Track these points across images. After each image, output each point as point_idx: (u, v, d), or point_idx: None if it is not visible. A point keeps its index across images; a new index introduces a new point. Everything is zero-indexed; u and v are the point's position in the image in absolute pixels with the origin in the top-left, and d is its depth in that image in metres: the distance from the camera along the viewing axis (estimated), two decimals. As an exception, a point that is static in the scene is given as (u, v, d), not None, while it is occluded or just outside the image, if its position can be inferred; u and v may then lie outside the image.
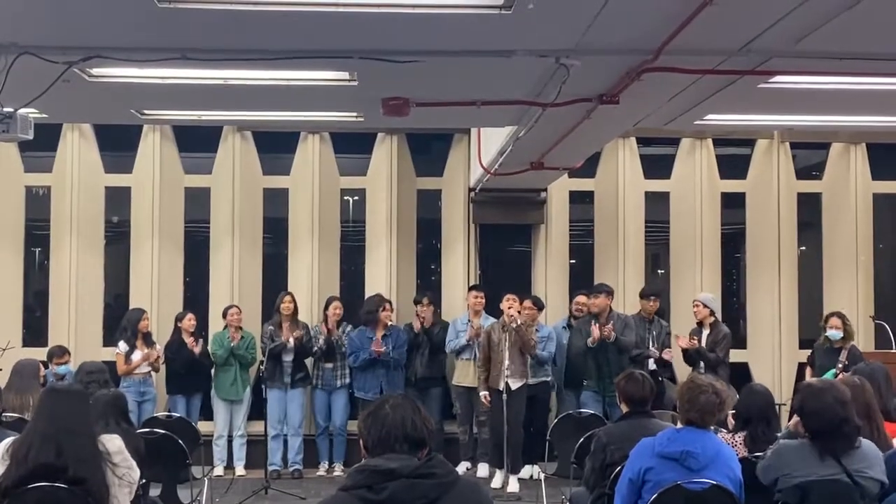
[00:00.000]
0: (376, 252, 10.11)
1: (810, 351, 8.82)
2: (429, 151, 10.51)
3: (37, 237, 10.07)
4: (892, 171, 10.45)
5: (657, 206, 10.34)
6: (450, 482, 2.77)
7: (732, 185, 10.38)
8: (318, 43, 4.84)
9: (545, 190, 9.95)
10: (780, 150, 10.26)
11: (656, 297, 9.34)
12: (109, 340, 9.47)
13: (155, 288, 9.84)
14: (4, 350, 8.53)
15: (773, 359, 10.11)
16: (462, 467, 9.04)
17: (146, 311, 9.12)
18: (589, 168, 9.78)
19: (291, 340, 9.05)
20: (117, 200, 10.03)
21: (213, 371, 9.24)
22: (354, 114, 7.01)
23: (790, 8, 4.20)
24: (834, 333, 8.24)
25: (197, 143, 9.99)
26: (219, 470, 9.05)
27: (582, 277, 10.12)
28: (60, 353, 8.21)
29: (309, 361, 9.37)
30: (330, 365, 9.30)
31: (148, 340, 8.98)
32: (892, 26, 4.53)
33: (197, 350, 9.02)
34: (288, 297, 9.31)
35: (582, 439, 6.04)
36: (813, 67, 5.21)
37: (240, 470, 9.25)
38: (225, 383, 9.16)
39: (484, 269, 10.24)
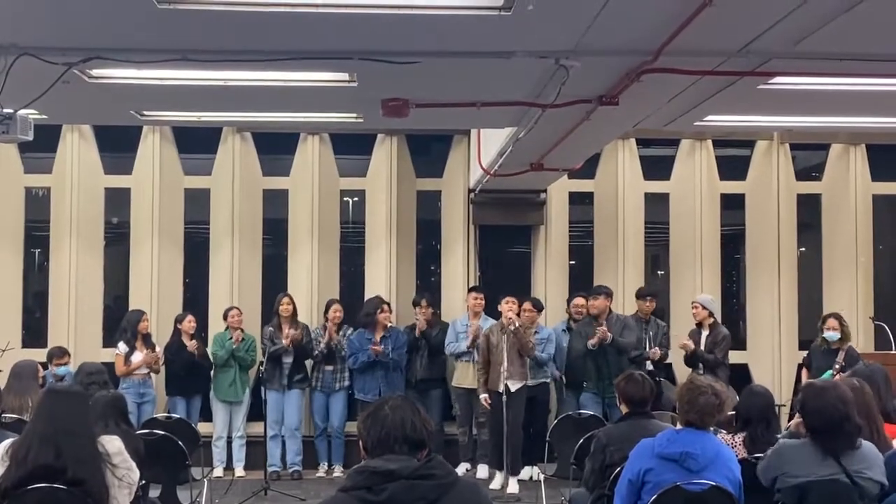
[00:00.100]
0: (376, 253, 10.11)
1: (806, 352, 8.83)
2: (428, 152, 10.51)
3: (36, 238, 10.07)
4: (892, 172, 10.46)
5: (657, 207, 10.34)
6: (449, 483, 2.77)
7: (732, 187, 10.39)
8: (317, 44, 4.84)
9: (545, 191, 9.95)
10: (780, 151, 10.27)
11: (652, 298, 9.35)
12: (109, 341, 9.47)
13: (154, 289, 9.84)
14: (4, 351, 8.52)
15: (772, 360, 10.11)
16: (462, 468, 9.05)
17: (146, 313, 9.12)
18: (589, 169, 9.78)
19: (289, 340, 9.04)
20: (117, 201, 10.03)
21: (212, 372, 9.24)
22: (354, 115, 7.01)
23: (789, 9, 4.20)
24: (831, 335, 8.24)
25: (197, 144, 9.99)
26: (218, 471, 9.06)
27: (582, 278, 10.13)
28: (60, 353, 8.21)
29: (308, 363, 9.37)
30: (330, 367, 9.30)
31: (147, 342, 8.98)
32: (891, 27, 4.53)
33: (196, 352, 9.01)
34: (286, 299, 9.31)
35: (582, 440, 6.04)
36: (812, 69, 5.21)
37: (239, 471, 9.25)
38: (224, 384, 9.16)
39: (483, 270, 10.24)
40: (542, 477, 7.69)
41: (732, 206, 10.38)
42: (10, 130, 5.31)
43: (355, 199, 10.41)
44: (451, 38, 4.78)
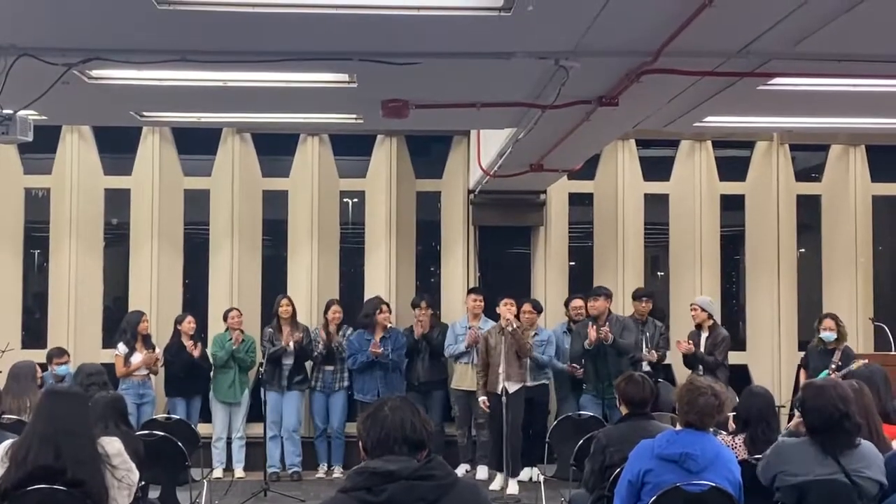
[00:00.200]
0: (376, 254, 10.11)
1: (803, 353, 8.84)
2: (428, 153, 10.51)
3: (36, 239, 10.07)
4: (892, 173, 10.46)
5: (656, 208, 10.34)
6: (449, 484, 2.77)
7: (732, 187, 10.39)
8: (317, 45, 4.84)
9: (544, 192, 9.95)
10: (780, 152, 10.27)
11: (648, 299, 9.34)
12: (109, 342, 9.47)
13: (154, 290, 9.84)
14: (3, 352, 8.52)
15: (772, 361, 10.11)
16: (461, 470, 9.05)
17: (145, 314, 9.12)
18: (588, 170, 9.78)
19: (291, 344, 9.05)
20: (117, 202, 10.03)
21: (211, 373, 9.23)
22: (354, 116, 7.01)
23: (789, 10, 4.20)
24: (828, 335, 8.26)
25: (196, 144, 9.99)
26: (218, 472, 9.06)
27: (581, 279, 10.12)
28: (59, 353, 8.21)
29: (308, 364, 9.37)
30: (331, 368, 9.29)
31: (147, 343, 8.98)
32: (890, 28, 4.53)
33: (196, 353, 9.01)
34: (285, 301, 9.30)
35: (581, 441, 6.04)
36: (812, 69, 5.21)
37: (239, 472, 9.25)
38: (223, 386, 9.16)
39: (483, 271, 10.24)
40: (541, 478, 7.69)
41: (732, 206, 10.38)
42: (9, 131, 5.31)
43: (355, 200, 10.41)
44: (451, 39, 4.78)
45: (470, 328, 9.13)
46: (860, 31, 4.53)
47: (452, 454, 9.02)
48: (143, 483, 4.69)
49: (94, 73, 5.37)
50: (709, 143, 10.21)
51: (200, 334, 9.42)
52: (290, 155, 10.14)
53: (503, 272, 10.26)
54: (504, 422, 8.24)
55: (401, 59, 4.94)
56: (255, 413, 9.26)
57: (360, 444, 2.87)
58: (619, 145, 10.07)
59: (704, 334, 8.74)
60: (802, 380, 8.16)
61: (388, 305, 9.38)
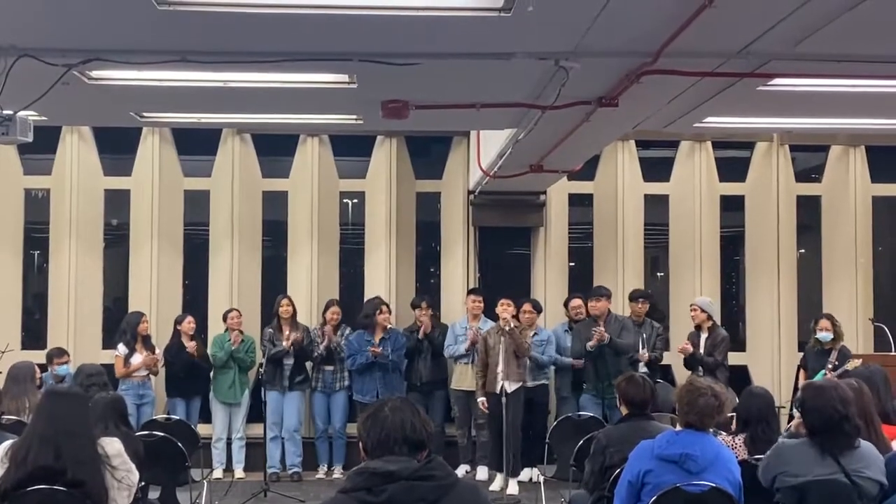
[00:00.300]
0: (375, 255, 10.11)
1: (801, 354, 8.86)
2: (428, 154, 10.51)
3: (36, 240, 10.07)
4: (892, 173, 10.46)
5: (656, 208, 10.34)
6: (449, 484, 2.77)
7: (732, 188, 10.39)
8: (317, 45, 4.84)
9: (544, 193, 9.95)
10: (780, 152, 10.27)
11: (645, 300, 9.34)
12: (108, 343, 9.47)
13: (154, 291, 9.84)
14: (3, 353, 8.52)
15: (772, 361, 10.11)
16: (461, 470, 9.05)
17: (145, 314, 9.13)
18: (588, 171, 9.78)
19: (286, 343, 9.04)
20: (116, 203, 10.03)
21: (211, 374, 9.23)
22: (354, 116, 7.01)
23: (789, 10, 4.20)
24: (824, 335, 8.30)
25: (196, 145, 9.99)
26: (218, 472, 9.06)
27: (581, 280, 10.12)
28: (59, 353, 8.20)
29: (309, 365, 9.37)
30: (331, 368, 9.29)
31: (147, 343, 8.98)
32: (891, 28, 4.53)
33: (195, 352, 9.01)
34: (286, 301, 9.31)
35: (581, 442, 6.04)
36: (812, 70, 5.21)
37: (239, 472, 9.25)
38: (223, 386, 9.16)
39: (483, 271, 10.24)
40: (541, 478, 7.70)
41: (732, 207, 10.38)
42: (9, 132, 5.31)
43: (355, 200, 10.41)
44: (450, 40, 4.78)
45: (470, 329, 9.13)
46: (860, 32, 4.53)
47: (453, 454, 9.02)
48: (143, 483, 4.69)
49: (94, 73, 5.37)
50: (709, 143, 10.21)
51: (200, 335, 9.41)
52: (289, 155, 10.14)
53: (503, 273, 10.26)
54: (504, 422, 8.24)
55: (401, 59, 4.94)
56: (255, 413, 9.27)
57: (361, 444, 2.87)
58: (619, 146, 10.07)
59: (704, 335, 8.73)
60: (802, 380, 8.18)
61: (388, 306, 9.38)
